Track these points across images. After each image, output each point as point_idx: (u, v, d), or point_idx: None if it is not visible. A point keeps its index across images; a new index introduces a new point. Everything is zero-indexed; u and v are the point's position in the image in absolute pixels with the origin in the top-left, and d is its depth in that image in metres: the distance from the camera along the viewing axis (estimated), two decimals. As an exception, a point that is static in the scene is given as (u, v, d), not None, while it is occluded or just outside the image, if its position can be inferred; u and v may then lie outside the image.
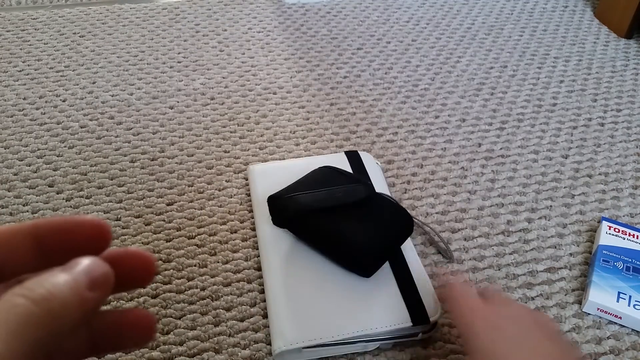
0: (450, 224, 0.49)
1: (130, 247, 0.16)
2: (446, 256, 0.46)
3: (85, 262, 0.14)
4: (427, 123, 0.61)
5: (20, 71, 0.67)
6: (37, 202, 0.50)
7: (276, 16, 0.80)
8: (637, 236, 0.46)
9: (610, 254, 0.44)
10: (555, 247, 0.47)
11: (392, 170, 0.55)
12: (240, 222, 0.48)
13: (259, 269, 0.44)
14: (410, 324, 0.38)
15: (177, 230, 0.47)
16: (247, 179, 0.53)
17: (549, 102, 0.65)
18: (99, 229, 0.16)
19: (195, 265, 0.45)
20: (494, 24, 0.80)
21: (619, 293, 0.41)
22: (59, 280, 0.14)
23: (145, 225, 0.48)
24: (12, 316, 0.12)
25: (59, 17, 0.78)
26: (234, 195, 0.51)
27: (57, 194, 0.51)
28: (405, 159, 0.56)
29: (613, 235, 0.46)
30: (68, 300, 0.13)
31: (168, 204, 0.50)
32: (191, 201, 0.50)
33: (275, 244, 0.44)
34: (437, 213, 0.50)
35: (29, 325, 0.13)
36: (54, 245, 0.16)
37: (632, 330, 0.41)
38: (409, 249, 0.44)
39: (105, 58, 0.70)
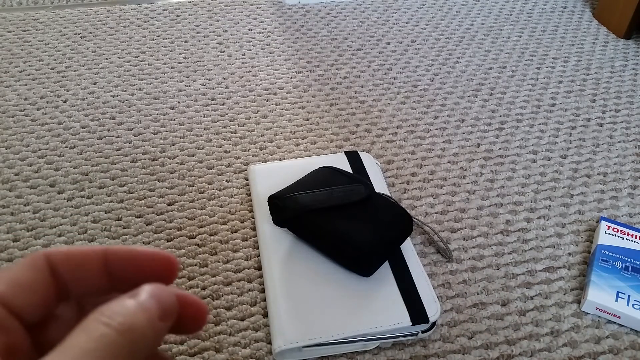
0: (450, 224, 0.49)
1: (187, 293, 0.16)
2: (445, 256, 0.46)
3: (156, 292, 0.15)
4: (427, 123, 0.61)
5: (21, 71, 0.67)
6: (38, 202, 0.50)
7: (276, 17, 0.80)
8: (636, 236, 0.46)
9: (609, 253, 0.45)
10: (554, 247, 0.47)
11: (392, 170, 0.55)
12: (241, 222, 0.49)
13: (260, 268, 0.44)
14: (410, 323, 0.38)
15: (178, 230, 0.48)
16: (247, 179, 0.53)
17: (548, 103, 0.65)
18: (169, 265, 0.17)
19: (196, 265, 0.45)
20: (493, 24, 0.80)
21: (617, 292, 0.42)
22: (137, 310, 0.14)
23: (146, 225, 0.48)
24: (101, 345, 0.13)
25: (60, 17, 0.78)
26: (235, 195, 0.51)
27: (59, 194, 0.51)
28: (405, 159, 0.56)
29: (612, 235, 0.46)
30: (146, 331, 0.14)
31: (169, 204, 0.50)
32: (192, 201, 0.51)
33: (276, 243, 0.44)
34: (436, 213, 0.50)
35: (114, 355, 0.13)
36: (122, 272, 0.16)
37: (631, 329, 0.41)
38: (409, 248, 0.44)
39: (107, 59, 0.70)
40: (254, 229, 0.48)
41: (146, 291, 0.15)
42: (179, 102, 0.63)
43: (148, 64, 0.69)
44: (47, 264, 0.16)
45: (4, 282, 0.15)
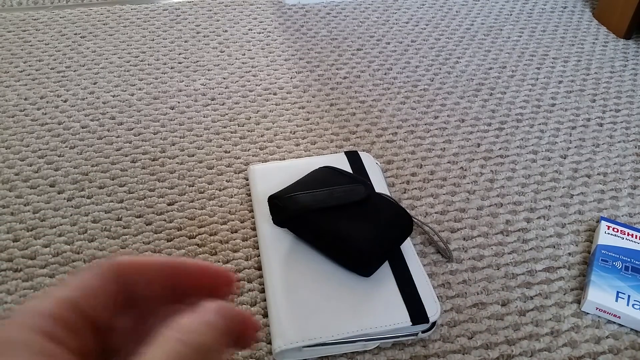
0: (450, 224, 0.49)
1: (243, 311, 0.17)
2: (445, 256, 0.46)
3: (223, 310, 0.16)
4: (427, 123, 0.61)
5: (21, 71, 0.67)
6: (38, 202, 0.50)
7: (276, 17, 0.80)
8: (636, 236, 0.46)
9: (609, 253, 0.45)
10: (554, 247, 0.47)
11: (392, 170, 0.55)
12: (241, 222, 0.49)
13: (259, 268, 0.44)
14: (410, 323, 0.38)
15: (178, 230, 0.48)
16: (247, 179, 0.53)
17: (548, 103, 0.65)
18: (228, 281, 0.18)
19: (195, 265, 0.45)
20: (493, 24, 0.80)
21: (617, 292, 0.42)
22: (208, 328, 0.15)
23: (146, 225, 0.48)
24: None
25: (60, 17, 0.78)
26: (235, 195, 0.51)
27: (59, 194, 0.51)
28: (405, 159, 0.56)
29: (612, 235, 0.46)
30: (215, 347, 0.15)
31: (169, 204, 0.50)
32: (192, 201, 0.51)
33: (276, 243, 0.44)
34: (436, 213, 0.50)
35: None
36: (184, 285, 0.17)
37: (631, 329, 0.41)
38: (409, 248, 0.44)
39: (107, 59, 0.70)
40: (254, 229, 0.48)
41: (214, 309, 0.16)
42: (179, 102, 0.63)
43: (148, 64, 0.69)
44: (114, 272, 0.16)
45: (76, 288, 0.15)
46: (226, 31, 0.77)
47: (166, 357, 0.14)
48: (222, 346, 0.15)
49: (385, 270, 0.42)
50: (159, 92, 0.65)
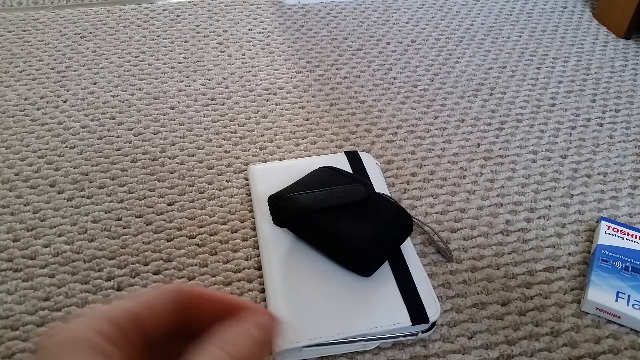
0: (450, 224, 0.49)
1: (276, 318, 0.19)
2: (445, 256, 0.46)
3: (262, 322, 0.17)
4: (427, 123, 0.61)
5: (21, 71, 0.67)
6: (38, 202, 0.50)
7: (276, 17, 0.80)
8: (636, 236, 0.46)
9: (609, 253, 0.45)
10: (554, 247, 0.47)
11: (392, 170, 0.55)
12: (241, 222, 0.49)
13: (259, 268, 0.44)
14: (410, 323, 0.38)
15: (178, 230, 0.48)
16: (247, 179, 0.53)
17: (548, 103, 0.65)
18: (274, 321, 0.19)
19: (196, 265, 0.45)
20: (493, 24, 0.80)
21: (617, 292, 0.42)
22: (250, 342, 0.16)
23: (146, 225, 0.48)
24: None
25: (60, 17, 0.78)
26: (235, 195, 0.51)
27: (59, 193, 0.51)
28: (405, 159, 0.56)
29: (612, 235, 0.46)
30: (255, 357, 0.16)
31: (169, 204, 0.50)
32: (192, 201, 0.51)
33: (276, 243, 0.44)
34: (436, 213, 0.50)
35: None
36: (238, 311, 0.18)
37: (631, 329, 0.41)
38: (409, 248, 0.44)
39: (106, 59, 0.70)
40: (254, 229, 0.48)
41: (256, 322, 0.17)
42: (179, 102, 0.63)
43: (148, 64, 0.69)
44: (176, 297, 0.18)
45: (141, 304, 0.17)
46: (226, 31, 0.77)
47: None
48: (263, 356, 0.16)
49: (385, 270, 0.42)
50: (159, 92, 0.65)
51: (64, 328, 0.15)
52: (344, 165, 0.52)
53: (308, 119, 0.61)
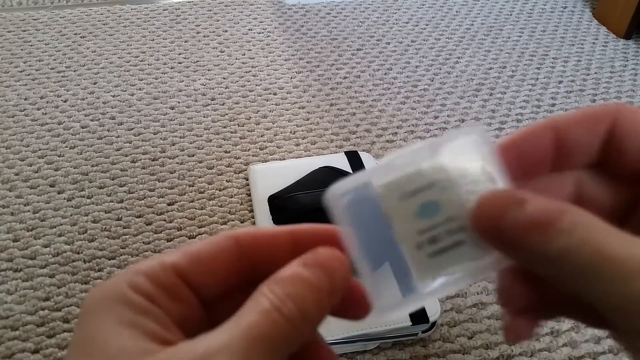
0: (450, 224, 0.49)
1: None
2: (445, 256, 0.46)
3: (328, 264, 0.15)
4: (427, 123, 0.61)
5: (21, 72, 0.67)
6: (38, 202, 0.50)
7: (276, 17, 0.80)
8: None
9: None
10: (554, 247, 0.47)
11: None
12: (241, 222, 0.49)
13: (260, 268, 0.44)
14: (410, 323, 0.38)
15: (178, 230, 0.48)
16: (247, 179, 0.53)
17: (548, 103, 0.65)
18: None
19: (196, 265, 0.45)
20: (493, 24, 0.80)
21: (617, 292, 0.42)
22: (308, 290, 0.14)
23: (147, 225, 0.48)
24: (273, 331, 0.13)
25: (60, 17, 0.78)
26: (235, 195, 0.51)
27: (59, 193, 0.51)
28: (405, 159, 0.56)
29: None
30: (314, 312, 0.14)
31: (169, 204, 0.50)
32: (192, 201, 0.51)
33: (276, 243, 0.44)
34: (436, 213, 0.50)
35: (282, 342, 0.13)
36: (309, 248, 0.16)
37: (631, 329, 0.41)
38: (409, 248, 0.44)
39: (106, 59, 0.70)
40: (254, 229, 0.48)
41: (317, 262, 0.14)
42: (179, 102, 0.63)
43: (148, 64, 0.69)
44: (234, 244, 0.16)
45: (185, 256, 0.15)
46: (226, 31, 0.77)
47: (260, 324, 0.13)
48: (325, 308, 0.14)
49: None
50: (159, 92, 0.65)
51: (101, 284, 0.15)
52: (344, 165, 0.52)
53: (308, 119, 0.61)
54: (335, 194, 0.16)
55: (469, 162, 0.15)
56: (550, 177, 0.16)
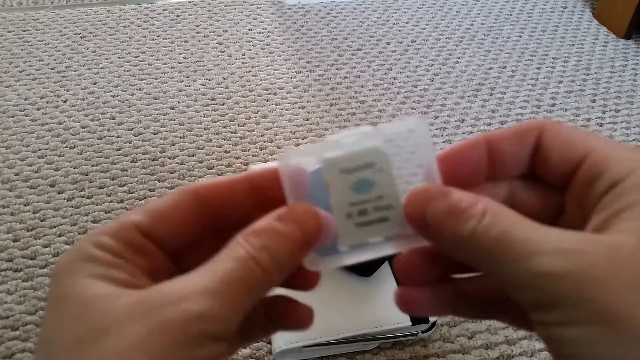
0: (450, 224, 0.49)
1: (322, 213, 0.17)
2: (445, 256, 0.46)
3: (298, 214, 0.16)
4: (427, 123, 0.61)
5: (21, 72, 0.67)
6: (38, 202, 0.50)
7: (276, 17, 0.80)
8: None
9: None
10: (554, 247, 0.47)
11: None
12: (241, 222, 0.49)
13: (260, 268, 0.44)
14: (410, 323, 0.38)
15: (178, 230, 0.48)
16: (247, 179, 0.53)
17: (548, 103, 0.65)
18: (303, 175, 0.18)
19: (196, 265, 0.45)
20: (493, 24, 0.80)
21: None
22: (282, 241, 0.15)
23: (146, 225, 0.48)
24: (247, 277, 0.14)
25: (60, 17, 0.78)
26: (235, 195, 0.51)
27: (59, 194, 0.51)
28: (405, 159, 0.56)
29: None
30: (287, 260, 0.15)
31: (169, 204, 0.50)
32: (192, 201, 0.50)
33: (276, 243, 0.44)
34: (436, 213, 0.50)
35: (255, 286, 0.14)
36: (268, 193, 0.17)
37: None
38: (409, 248, 0.44)
39: (107, 59, 0.70)
40: (254, 229, 0.48)
41: (290, 216, 0.15)
42: (179, 102, 0.63)
43: (148, 64, 0.69)
44: (192, 197, 0.17)
45: (144, 213, 0.16)
46: (226, 31, 0.77)
47: (235, 269, 0.14)
48: (298, 256, 0.15)
49: (385, 270, 0.42)
50: (159, 92, 0.65)
51: (67, 250, 0.15)
52: (344, 165, 0.52)
53: (308, 119, 0.61)
54: (286, 160, 0.17)
55: (406, 151, 0.17)
56: (485, 186, 0.18)
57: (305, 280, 0.18)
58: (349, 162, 0.17)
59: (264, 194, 0.17)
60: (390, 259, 0.43)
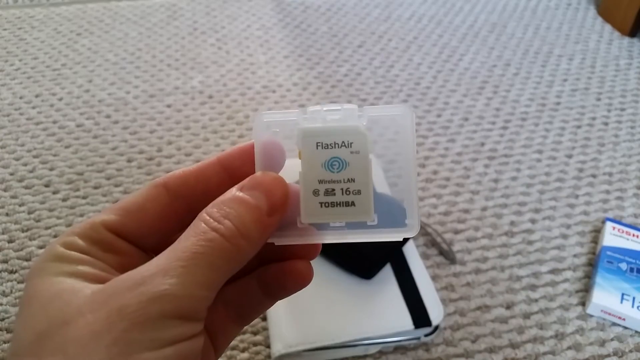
0: (453, 225, 0.48)
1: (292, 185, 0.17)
2: (448, 258, 0.45)
3: (265, 184, 0.15)
4: (429, 122, 0.60)
5: (16, 69, 0.66)
6: (33, 202, 0.49)
7: (275, 13, 0.79)
8: (642, 237, 0.45)
9: (614, 255, 0.44)
10: (559, 249, 0.47)
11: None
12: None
13: (258, 270, 0.44)
14: (412, 327, 0.37)
15: (175, 231, 0.47)
16: (246, 179, 0.52)
17: (553, 101, 0.64)
18: (279, 149, 0.17)
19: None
20: (497, 21, 0.79)
21: (622, 294, 0.41)
22: (245, 211, 0.15)
23: (143, 226, 0.47)
24: (209, 249, 0.14)
25: (56, 15, 0.77)
26: (233, 195, 0.50)
27: (54, 194, 0.50)
28: (407, 159, 0.55)
29: (617, 235, 0.45)
30: (254, 232, 0.15)
31: (166, 205, 0.49)
32: (189, 201, 0.50)
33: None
34: (439, 214, 0.49)
35: (222, 258, 0.14)
36: (241, 171, 0.17)
37: (636, 332, 0.40)
38: (411, 250, 0.43)
39: (102, 56, 0.69)
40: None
41: (254, 184, 0.15)
42: (175, 100, 0.62)
43: (144, 62, 0.68)
44: (163, 190, 0.17)
45: (114, 211, 0.16)
46: (224, 28, 0.75)
47: (198, 244, 0.14)
48: (266, 227, 0.15)
49: (387, 272, 0.41)
50: (155, 89, 0.64)
51: (39, 255, 0.15)
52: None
53: (308, 118, 0.60)
54: (262, 122, 0.17)
55: (387, 138, 0.17)
56: None
57: (303, 249, 0.18)
58: (326, 137, 0.16)
59: (236, 173, 0.17)
60: (392, 260, 0.42)
